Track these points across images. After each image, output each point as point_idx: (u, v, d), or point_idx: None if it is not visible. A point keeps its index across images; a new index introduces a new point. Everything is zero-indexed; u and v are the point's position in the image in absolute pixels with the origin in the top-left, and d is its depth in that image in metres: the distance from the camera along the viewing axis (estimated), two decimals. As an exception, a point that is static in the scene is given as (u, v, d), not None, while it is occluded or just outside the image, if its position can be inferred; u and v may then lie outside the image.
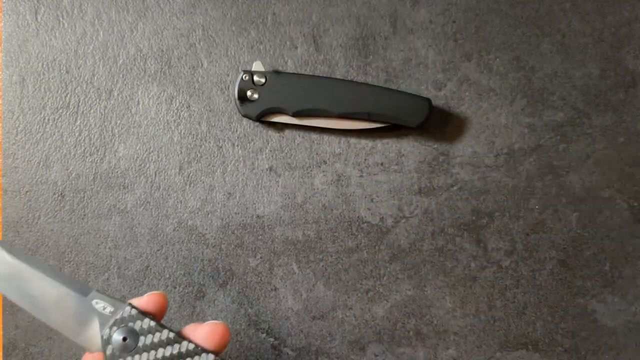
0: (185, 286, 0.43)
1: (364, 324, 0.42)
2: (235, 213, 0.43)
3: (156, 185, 0.43)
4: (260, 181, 0.43)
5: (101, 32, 0.44)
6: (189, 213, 0.43)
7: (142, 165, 0.43)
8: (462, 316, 0.42)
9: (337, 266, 0.43)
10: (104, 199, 0.43)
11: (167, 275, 0.43)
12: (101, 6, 0.44)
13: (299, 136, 0.43)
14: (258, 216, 0.43)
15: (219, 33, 0.43)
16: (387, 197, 0.43)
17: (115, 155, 0.43)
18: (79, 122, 0.43)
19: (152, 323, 0.29)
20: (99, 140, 0.43)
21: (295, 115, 0.41)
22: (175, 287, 0.43)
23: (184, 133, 0.43)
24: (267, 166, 0.43)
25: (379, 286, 0.42)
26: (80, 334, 0.29)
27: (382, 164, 0.43)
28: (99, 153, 0.43)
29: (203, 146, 0.43)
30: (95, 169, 0.43)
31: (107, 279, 0.43)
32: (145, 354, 0.28)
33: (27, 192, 0.43)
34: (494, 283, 0.42)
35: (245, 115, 0.42)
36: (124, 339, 0.29)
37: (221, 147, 0.43)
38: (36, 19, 0.44)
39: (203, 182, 0.43)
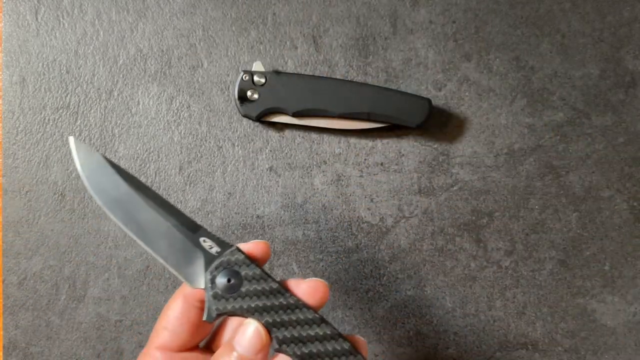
0: (186, 286, 0.43)
1: (364, 323, 0.42)
2: (235, 213, 0.43)
3: (156, 185, 0.43)
4: (260, 181, 0.43)
5: (101, 32, 0.44)
6: (189, 213, 0.43)
7: (142, 165, 0.43)
8: (462, 316, 0.42)
9: (337, 266, 0.43)
10: (104, 199, 0.43)
11: (167, 275, 0.43)
12: (101, 6, 0.44)
13: (299, 136, 0.43)
14: (258, 216, 0.43)
15: (219, 33, 0.43)
16: (387, 197, 0.43)
17: (115, 155, 0.43)
18: (79, 122, 0.43)
19: (257, 270, 0.29)
20: (99, 140, 0.43)
21: (295, 115, 0.41)
22: (175, 287, 0.43)
23: (184, 133, 0.43)
24: (267, 166, 0.43)
25: (379, 286, 0.42)
26: (184, 269, 0.30)
27: (382, 164, 0.43)
28: (99, 153, 0.43)
29: (203, 146, 0.43)
30: (95, 169, 0.43)
31: (107, 279, 0.43)
32: (247, 299, 0.28)
33: (27, 192, 0.43)
34: (494, 283, 0.42)
35: (245, 115, 0.42)
36: (229, 281, 0.29)
37: (221, 147, 0.43)
38: (36, 19, 0.44)
39: (203, 182, 0.43)
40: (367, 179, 0.43)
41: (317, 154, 0.43)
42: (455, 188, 0.43)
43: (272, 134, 0.43)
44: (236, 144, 0.43)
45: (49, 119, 0.44)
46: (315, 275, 0.42)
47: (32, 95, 0.44)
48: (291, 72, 0.43)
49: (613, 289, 0.42)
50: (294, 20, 0.43)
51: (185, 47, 0.43)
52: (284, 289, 0.29)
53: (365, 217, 0.43)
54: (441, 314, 0.42)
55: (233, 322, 0.33)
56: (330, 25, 0.43)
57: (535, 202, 0.42)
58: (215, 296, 0.29)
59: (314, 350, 0.28)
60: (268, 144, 0.43)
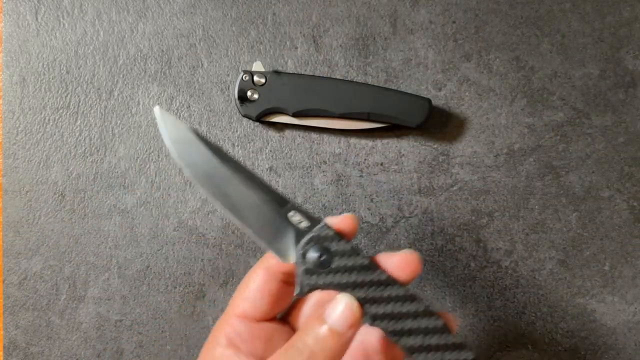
0: (185, 286, 0.43)
1: (364, 323, 0.42)
2: (236, 213, 0.43)
3: (156, 185, 0.43)
4: (260, 181, 0.43)
5: (101, 33, 0.44)
6: (189, 213, 0.43)
7: (143, 165, 0.43)
8: (462, 316, 0.42)
9: (337, 266, 0.43)
10: (104, 199, 0.43)
11: (167, 275, 0.43)
12: (101, 6, 0.44)
13: (299, 136, 0.43)
14: (258, 216, 0.43)
15: (219, 33, 0.43)
16: (387, 197, 0.43)
17: (115, 155, 0.43)
18: (79, 122, 0.44)
19: (348, 246, 0.29)
20: (99, 140, 0.43)
21: (295, 115, 0.41)
22: (175, 287, 0.43)
23: (184, 133, 0.43)
24: (267, 166, 0.43)
25: (379, 286, 0.42)
26: (274, 243, 0.29)
27: (382, 164, 0.43)
28: (99, 153, 0.43)
29: (203, 146, 0.43)
30: (95, 169, 0.43)
31: (107, 279, 0.43)
32: (338, 275, 0.28)
33: (27, 192, 0.43)
34: (494, 283, 0.42)
35: (245, 115, 0.42)
36: (320, 257, 0.28)
37: (221, 147, 0.43)
38: (36, 19, 0.44)
39: (203, 182, 0.43)
40: (367, 179, 0.43)
41: (317, 154, 0.43)
42: (455, 188, 0.43)
43: (272, 134, 0.43)
44: (236, 144, 0.43)
45: (49, 119, 0.44)
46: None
47: (32, 95, 0.44)
48: (291, 72, 0.43)
49: (613, 289, 0.42)
50: (294, 20, 0.43)
51: (185, 47, 0.43)
52: (374, 265, 0.28)
53: (365, 217, 0.43)
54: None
55: (312, 296, 0.33)
56: (330, 25, 0.43)
57: (535, 202, 0.42)
58: (307, 271, 0.28)
59: (406, 327, 0.28)
60: (268, 144, 0.43)
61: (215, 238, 0.43)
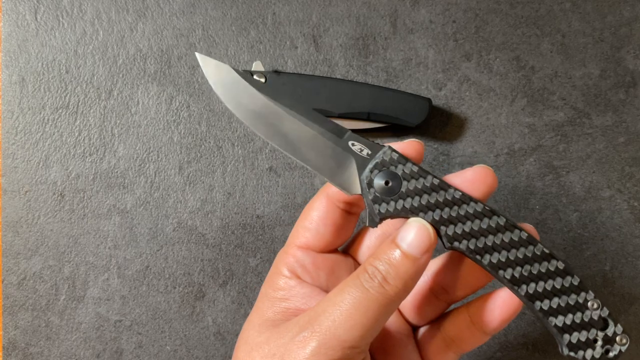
0: (185, 286, 0.43)
1: (364, 324, 0.42)
2: (235, 213, 0.43)
3: (156, 185, 0.43)
4: (260, 181, 0.43)
5: (101, 32, 0.44)
6: (189, 213, 0.43)
7: (142, 165, 0.43)
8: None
9: (337, 266, 0.42)
10: (103, 199, 0.43)
11: (167, 275, 0.43)
12: (101, 6, 0.44)
13: (299, 136, 0.43)
14: (258, 216, 0.43)
15: (219, 33, 0.43)
16: (387, 197, 0.43)
17: (115, 155, 0.43)
18: (78, 122, 0.43)
19: (415, 167, 0.27)
20: (98, 140, 0.43)
21: (295, 115, 0.41)
22: (175, 287, 0.43)
23: (183, 133, 0.43)
24: (267, 166, 0.43)
25: (379, 286, 0.42)
26: (337, 175, 0.28)
27: (382, 164, 0.43)
28: (99, 153, 0.43)
29: (203, 146, 0.43)
30: (95, 169, 0.43)
31: (107, 279, 0.43)
32: (409, 199, 0.27)
33: (26, 192, 0.43)
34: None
35: (245, 115, 0.42)
36: (387, 183, 0.27)
37: (221, 147, 0.43)
38: (36, 18, 0.44)
39: (203, 182, 0.43)
40: (367, 179, 0.43)
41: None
42: (455, 188, 0.42)
43: (272, 133, 0.43)
44: (236, 144, 0.43)
45: (48, 119, 0.43)
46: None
47: (32, 95, 0.43)
48: (291, 72, 0.43)
49: (613, 289, 0.42)
50: (294, 20, 0.43)
51: (185, 47, 0.43)
52: (446, 184, 0.27)
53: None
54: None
55: (375, 230, 0.32)
56: (330, 25, 0.43)
57: (535, 202, 0.42)
58: (375, 200, 0.27)
59: (489, 244, 0.26)
60: (268, 144, 0.43)
61: (215, 238, 0.43)
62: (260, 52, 0.43)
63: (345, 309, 0.25)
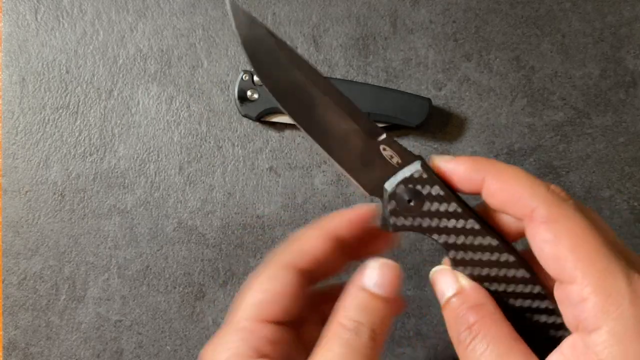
0: (185, 286, 0.43)
1: (364, 324, 0.42)
2: (235, 213, 0.43)
3: (156, 185, 0.43)
4: (260, 181, 0.43)
5: (101, 32, 0.44)
6: (189, 213, 0.43)
7: (142, 165, 0.43)
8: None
9: (337, 266, 0.42)
10: (104, 199, 0.43)
11: (167, 275, 0.43)
12: (101, 6, 0.44)
13: (299, 136, 0.43)
14: (258, 216, 0.43)
15: (219, 33, 0.43)
16: (387, 197, 0.43)
17: (115, 155, 0.43)
18: (78, 122, 0.43)
19: (442, 192, 0.26)
20: (99, 140, 0.43)
21: (295, 115, 0.41)
22: (175, 287, 0.43)
23: (184, 133, 0.43)
24: (267, 166, 0.43)
25: (379, 286, 0.42)
26: (361, 175, 0.27)
27: (382, 164, 0.43)
28: (99, 153, 0.43)
29: (203, 146, 0.43)
30: (95, 169, 0.43)
31: (107, 279, 0.43)
32: (427, 219, 0.26)
33: (27, 192, 0.43)
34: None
35: (245, 115, 0.42)
36: (409, 201, 0.26)
37: (221, 147, 0.43)
38: (36, 18, 0.44)
39: (203, 182, 0.43)
40: (367, 179, 0.43)
41: (317, 154, 0.43)
42: (455, 188, 0.42)
43: (272, 134, 0.43)
44: (236, 144, 0.43)
45: (48, 119, 0.43)
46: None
47: (32, 95, 0.44)
48: (291, 72, 0.43)
49: (613, 289, 0.42)
50: (294, 20, 0.43)
51: (185, 47, 0.43)
52: (468, 213, 0.26)
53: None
54: (441, 314, 0.42)
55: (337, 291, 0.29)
56: (330, 25, 0.43)
57: (535, 202, 0.42)
58: (394, 212, 0.26)
59: (495, 275, 0.26)
60: (268, 144, 0.43)
61: (215, 238, 0.43)
62: (261, 52, 0.43)
63: None
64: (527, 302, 0.26)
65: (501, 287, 0.26)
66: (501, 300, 0.26)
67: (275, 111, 0.42)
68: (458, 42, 0.43)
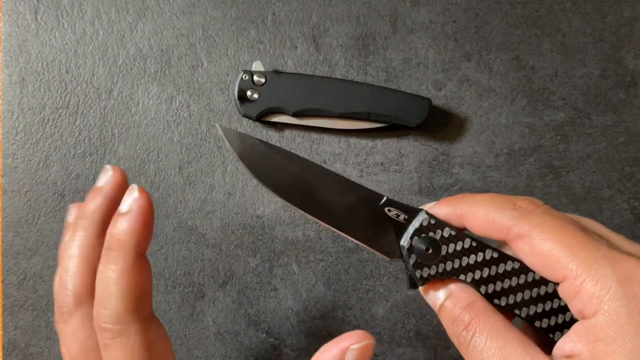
0: (185, 286, 0.43)
1: (364, 324, 0.42)
2: (235, 213, 0.43)
3: (156, 185, 0.43)
4: (260, 181, 0.43)
5: (101, 32, 0.44)
6: (189, 213, 0.43)
7: (142, 165, 0.43)
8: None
9: (337, 266, 0.42)
10: (103, 199, 0.43)
11: (167, 275, 0.43)
12: (101, 6, 0.44)
13: (299, 136, 0.43)
14: (258, 216, 0.43)
15: (219, 33, 0.43)
16: (387, 197, 0.43)
17: (115, 155, 0.43)
18: (78, 122, 0.43)
19: (453, 232, 0.28)
20: (98, 140, 0.43)
21: (295, 115, 0.41)
22: (175, 287, 0.43)
23: (183, 133, 0.43)
24: (267, 166, 0.43)
25: (379, 286, 0.42)
26: (376, 242, 0.28)
27: (382, 164, 0.43)
28: (99, 153, 0.43)
29: (203, 146, 0.43)
30: (95, 169, 0.43)
31: (107, 279, 0.43)
32: (449, 263, 0.27)
33: (26, 192, 0.43)
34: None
35: (245, 115, 0.42)
36: (427, 250, 0.27)
37: (221, 147, 0.43)
38: (36, 18, 0.44)
39: (203, 182, 0.43)
40: (367, 179, 0.43)
41: (317, 154, 0.43)
42: (455, 188, 0.42)
43: (272, 134, 0.43)
44: (236, 144, 0.43)
45: (48, 119, 0.43)
46: (315, 276, 0.42)
47: (32, 95, 0.43)
48: (291, 72, 0.43)
49: (613, 289, 0.42)
50: (294, 20, 0.43)
51: (185, 47, 0.43)
52: (483, 244, 0.27)
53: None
54: (441, 314, 0.42)
55: None
56: (330, 24, 0.43)
57: (535, 202, 0.42)
58: (417, 265, 0.28)
59: (526, 298, 0.27)
60: (268, 143, 0.43)
61: (215, 238, 0.43)
62: (260, 52, 0.43)
63: None
64: (553, 320, 0.27)
65: (538, 309, 0.27)
66: (532, 321, 0.27)
67: (275, 111, 0.42)
68: (458, 42, 0.43)
